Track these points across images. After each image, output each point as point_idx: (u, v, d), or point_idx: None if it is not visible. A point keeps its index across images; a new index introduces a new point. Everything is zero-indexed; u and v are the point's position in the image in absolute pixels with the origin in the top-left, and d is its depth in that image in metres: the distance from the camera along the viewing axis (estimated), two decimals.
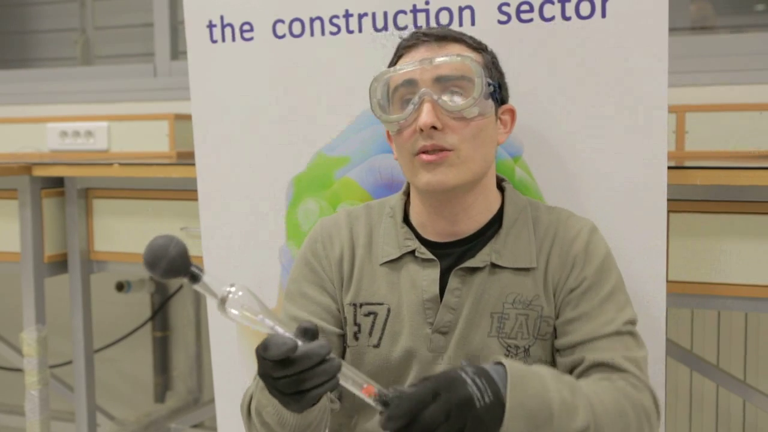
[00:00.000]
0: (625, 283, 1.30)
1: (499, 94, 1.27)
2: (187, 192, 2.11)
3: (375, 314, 1.27)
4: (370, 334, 1.27)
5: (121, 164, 2.20)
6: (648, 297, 1.50)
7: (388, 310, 1.27)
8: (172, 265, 0.93)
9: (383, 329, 1.27)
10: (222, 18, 1.73)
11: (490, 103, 1.24)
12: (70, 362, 2.50)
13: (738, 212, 1.65)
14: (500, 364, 1.04)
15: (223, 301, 0.93)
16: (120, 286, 2.89)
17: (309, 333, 0.94)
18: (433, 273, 1.25)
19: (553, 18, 1.49)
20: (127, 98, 3.04)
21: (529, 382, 1.02)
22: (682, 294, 1.70)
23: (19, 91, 3.21)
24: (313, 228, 1.38)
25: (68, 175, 2.28)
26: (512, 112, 1.33)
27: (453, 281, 1.24)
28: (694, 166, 1.68)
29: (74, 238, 2.32)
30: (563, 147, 1.53)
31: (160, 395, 3.09)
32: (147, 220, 2.25)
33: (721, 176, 1.61)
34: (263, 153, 1.76)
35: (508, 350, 1.22)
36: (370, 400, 0.94)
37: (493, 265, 1.24)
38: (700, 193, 1.66)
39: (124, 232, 2.29)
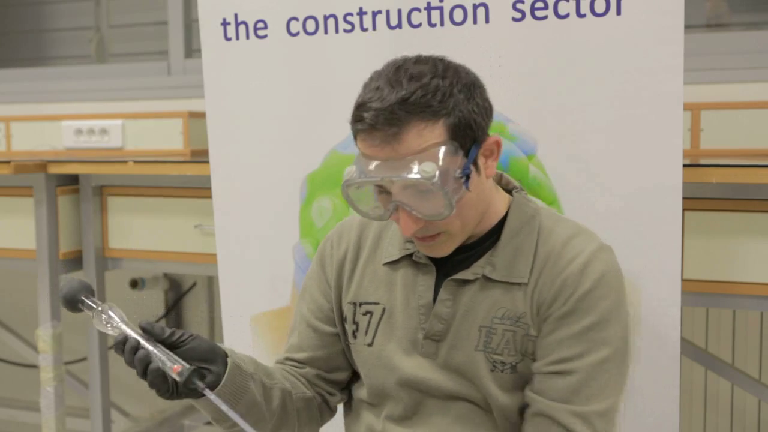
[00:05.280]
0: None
1: (477, 149, 1.15)
2: (201, 190, 2.12)
3: (371, 313, 1.29)
4: (366, 332, 1.29)
5: (135, 162, 2.21)
6: (663, 295, 1.50)
7: (383, 310, 1.28)
8: (66, 301, 1.19)
9: (377, 328, 1.28)
10: (236, 16, 1.74)
11: (469, 174, 1.14)
12: (85, 359, 2.52)
13: (754, 210, 1.64)
14: None
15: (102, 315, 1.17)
16: (134, 283, 2.90)
17: (146, 331, 1.14)
18: (429, 279, 1.24)
19: (567, 15, 1.49)
20: (142, 96, 3.05)
21: None
22: (698, 293, 1.68)
23: (34, 90, 3.23)
24: None
25: (83, 172, 2.29)
26: (497, 144, 1.20)
27: (443, 292, 1.23)
28: (710, 164, 1.67)
29: (89, 235, 2.33)
30: (578, 145, 1.52)
31: None
32: (161, 217, 2.26)
33: (737, 174, 1.60)
34: (277, 151, 1.76)
35: (494, 365, 1.20)
36: (176, 377, 1.09)
37: (486, 278, 1.22)
38: (715, 192, 1.65)
39: (139, 230, 2.30)
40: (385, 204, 1.16)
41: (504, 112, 1.56)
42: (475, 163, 1.16)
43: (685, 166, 1.48)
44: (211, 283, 3.03)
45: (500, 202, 1.26)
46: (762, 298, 1.67)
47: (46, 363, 2.34)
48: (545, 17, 1.50)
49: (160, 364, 1.10)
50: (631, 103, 1.47)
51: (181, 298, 3.12)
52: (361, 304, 1.30)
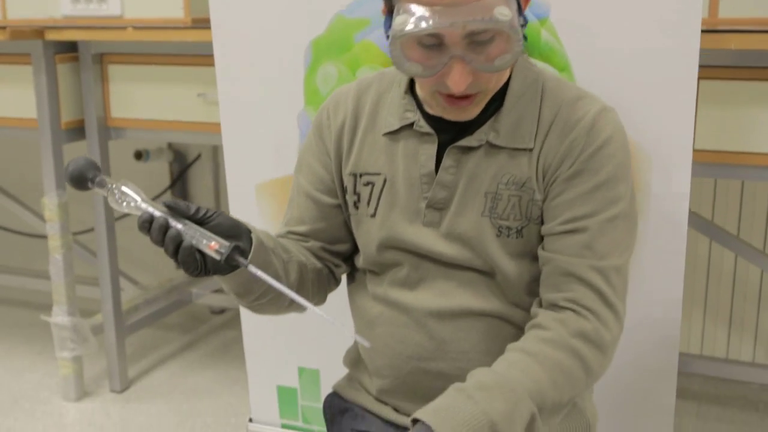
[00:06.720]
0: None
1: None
2: (203, 57, 2.08)
3: (372, 184, 1.27)
4: (368, 203, 1.28)
5: (135, 28, 2.15)
6: (673, 166, 1.48)
7: (384, 180, 1.26)
8: (74, 180, 1.12)
9: (379, 199, 1.27)
10: None
11: (526, 24, 1.13)
12: (92, 229, 2.54)
13: None
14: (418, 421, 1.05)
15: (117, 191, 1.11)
16: (138, 155, 2.89)
17: (171, 209, 1.10)
18: (431, 148, 1.22)
19: None
20: None
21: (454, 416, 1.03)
22: (707, 163, 1.67)
23: None
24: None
25: (81, 38, 2.24)
26: (527, 0, 1.17)
27: (447, 159, 1.21)
28: (729, 29, 1.61)
29: (90, 104, 2.30)
30: (592, 9, 1.47)
31: None
32: (164, 86, 2.22)
33: (758, 40, 1.55)
34: (281, 15, 1.70)
35: (499, 230, 1.20)
36: (213, 254, 1.07)
37: (490, 145, 1.20)
38: (733, 59, 1.61)
39: (141, 99, 2.27)
40: (431, 59, 1.10)
41: None
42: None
43: (702, 31, 1.43)
44: (216, 153, 3.02)
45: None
46: None
47: (54, 231, 2.36)
48: None
49: (194, 242, 1.07)
50: None
51: (186, 170, 3.12)
52: (361, 175, 1.28)
